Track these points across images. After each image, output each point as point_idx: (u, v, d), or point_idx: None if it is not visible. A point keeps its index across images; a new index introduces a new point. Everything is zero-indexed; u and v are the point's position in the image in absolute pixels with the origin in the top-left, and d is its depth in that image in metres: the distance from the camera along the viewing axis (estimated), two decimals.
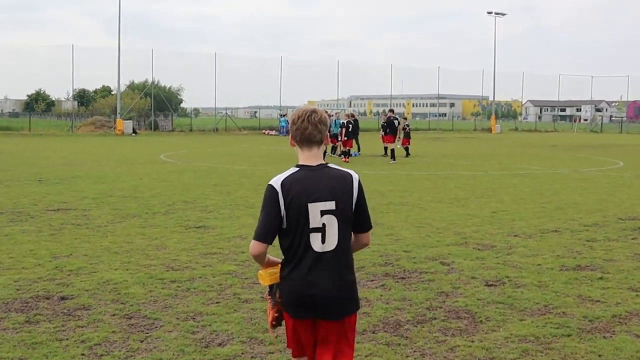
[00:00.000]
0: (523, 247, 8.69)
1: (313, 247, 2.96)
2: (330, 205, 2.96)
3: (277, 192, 2.94)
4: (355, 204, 3.02)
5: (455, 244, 8.83)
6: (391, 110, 24.58)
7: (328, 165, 3.05)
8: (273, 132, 53.83)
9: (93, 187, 14.89)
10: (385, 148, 24.31)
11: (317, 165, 3.02)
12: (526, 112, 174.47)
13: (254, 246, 2.99)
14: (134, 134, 47.52)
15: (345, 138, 23.79)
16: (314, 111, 3.04)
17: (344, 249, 3.01)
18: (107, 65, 56.79)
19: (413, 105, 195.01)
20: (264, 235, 2.97)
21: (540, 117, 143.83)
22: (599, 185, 16.46)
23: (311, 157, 3.04)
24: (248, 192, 14.16)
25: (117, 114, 49.40)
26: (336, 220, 2.97)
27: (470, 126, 74.97)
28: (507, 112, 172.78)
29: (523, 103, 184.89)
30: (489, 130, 66.72)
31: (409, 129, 26.48)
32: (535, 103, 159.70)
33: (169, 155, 25.97)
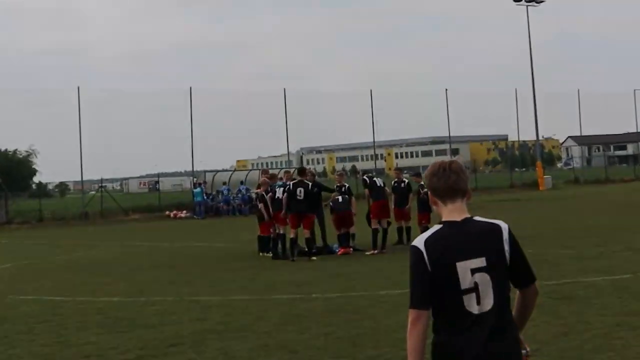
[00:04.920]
0: None
1: (469, 309, 3.99)
2: (481, 262, 4.03)
3: (422, 252, 4.05)
4: (510, 258, 4.10)
5: None
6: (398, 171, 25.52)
7: (473, 218, 4.18)
8: (184, 213, 51.29)
9: None
10: (400, 229, 24.16)
11: (462, 220, 4.13)
12: (568, 155, 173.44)
13: (412, 316, 4.03)
14: None
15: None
16: (452, 161, 4.28)
17: (503, 309, 4.06)
18: None
19: (397, 156, 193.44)
20: (419, 300, 4.04)
21: (589, 161, 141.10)
22: None
23: (455, 211, 4.16)
24: None
25: None
26: (489, 278, 4.03)
27: (500, 181, 72.19)
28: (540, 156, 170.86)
29: (562, 142, 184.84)
30: (534, 185, 64.98)
31: (425, 195, 22.92)
32: (579, 140, 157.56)
33: None
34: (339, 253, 22.07)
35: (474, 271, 3.98)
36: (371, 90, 64.78)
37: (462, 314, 3.98)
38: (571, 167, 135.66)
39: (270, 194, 22.51)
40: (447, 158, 4.81)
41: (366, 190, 23.15)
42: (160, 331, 12.21)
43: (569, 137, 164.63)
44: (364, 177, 24.22)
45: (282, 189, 22.02)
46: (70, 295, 16.91)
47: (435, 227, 4.13)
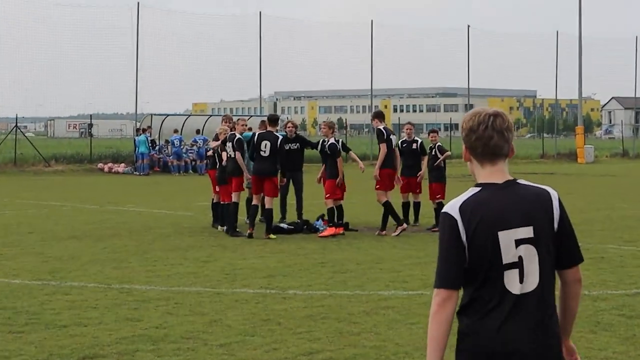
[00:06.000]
0: None
1: (509, 288, 4.22)
2: (527, 231, 4.27)
3: (456, 221, 4.25)
4: (557, 229, 4.34)
5: None
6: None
7: (517, 181, 4.43)
8: (122, 167, 51.60)
9: None
10: (406, 205, 23.87)
11: (504, 183, 4.37)
12: (610, 119, 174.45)
13: (438, 297, 4.25)
14: None
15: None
16: (497, 115, 4.37)
17: (548, 290, 4.30)
18: None
19: (395, 109, 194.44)
20: (447, 279, 4.26)
21: (636, 130, 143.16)
22: None
23: (496, 173, 4.39)
24: None
25: None
26: (536, 252, 4.27)
27: (527, 148, 73.69)
28: (576, 120, 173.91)
29: (604, 104, 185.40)
30: (571, 156, 66.91)
31: (443, 163, 23.96)
32: (627, 103, 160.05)
33: None
34: (323, 234, 21.25)
35: (519, 242, 4.20)
36: (372, 21, 63.77)
37: (500, 293, 4.16)
38: (612, 136, 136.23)
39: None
40: (487, 107, 4.56)
41: (382, 146, 21.97)
42: (73, 334, 11.43)
43: (613, 98, 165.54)
44: (382, 128, 22.55)
45: (230, 143, 21.68)
46: None
47: (472, 190, 4.32)
